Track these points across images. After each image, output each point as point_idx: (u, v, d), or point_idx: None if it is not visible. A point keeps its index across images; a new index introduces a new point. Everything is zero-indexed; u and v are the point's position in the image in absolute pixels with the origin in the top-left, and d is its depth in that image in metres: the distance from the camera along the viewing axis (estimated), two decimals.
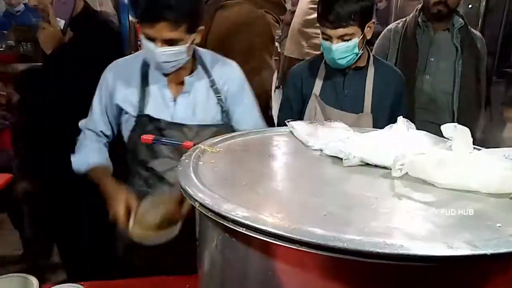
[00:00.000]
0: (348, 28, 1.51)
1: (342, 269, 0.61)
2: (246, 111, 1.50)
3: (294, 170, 0.92)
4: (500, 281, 0.62)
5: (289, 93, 1.76)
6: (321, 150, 0.99)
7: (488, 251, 0.55)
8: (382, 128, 1.42)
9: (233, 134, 1.12)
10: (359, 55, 1.60)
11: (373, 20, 1.58)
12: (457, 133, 0.89)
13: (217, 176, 0.83)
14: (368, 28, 1.57)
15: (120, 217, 1.27)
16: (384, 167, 0.88)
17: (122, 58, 1.52)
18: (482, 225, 0.66)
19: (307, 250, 0.58)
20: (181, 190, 0.77)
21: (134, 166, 1.49)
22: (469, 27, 2.09)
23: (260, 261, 0.67)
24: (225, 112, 1.46)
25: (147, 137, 1.21)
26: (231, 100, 1.48)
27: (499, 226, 0.64)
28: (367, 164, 0.90)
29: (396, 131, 0.97)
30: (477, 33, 2.16)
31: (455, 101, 2.06)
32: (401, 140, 0.94)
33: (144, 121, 1.41)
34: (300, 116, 1.70)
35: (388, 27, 2.22)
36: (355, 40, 1.54)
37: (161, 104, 1.42)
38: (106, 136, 1.54)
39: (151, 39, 1.27)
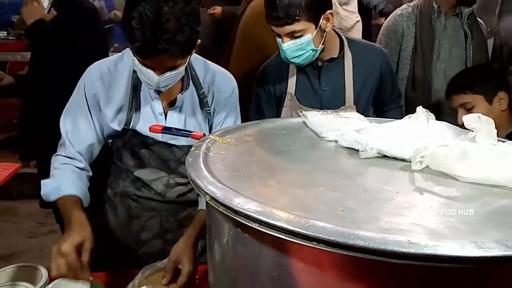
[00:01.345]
0: (295, 24, 1.37)
1: (361, 270, 0.57)
2: (226, 124, 1.38)
3: (308, 162, 0.88)
4: None
5: (259, 93, 1.63)
6: (336, 141, 0.95)
7: None
8: (369, 115, 1.36)
9: (244, 124, 1.09)
10: (318, 50, 1.46)
11: (330, 10, 1.43)
12: (480, 124, 0.84)
13: (228, 168, 0.80)
14: (325, 21, 1.43)
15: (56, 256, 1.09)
16: (403, 160, 0.84)
17: (106, 61, 1.36)
18: (511, 223, 0.62)
19: (325, 248, 0.54)
20: (191, 182, 0.74)
21: (120, 165, 1.40)
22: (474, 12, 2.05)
23: (273, 259, 0.64)
24: (209, 126, 1.39)
25: (157, 127, 1.18)
26: (216, 112, 1.39)
27: None
28: (385, 156, 0.86)
29: (415, 122, 0.93)
30: (479, 19, 2.11)
31: None
32: (421, 131, 0.90)
33: (130, 135, 1.33)
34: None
35: (397, 12, 2.12)
36: (308, 37, 1.39)
37: (151, 119, 1.32)
38: (86, 164, 1.35)
39: (148, 66, 1.17)
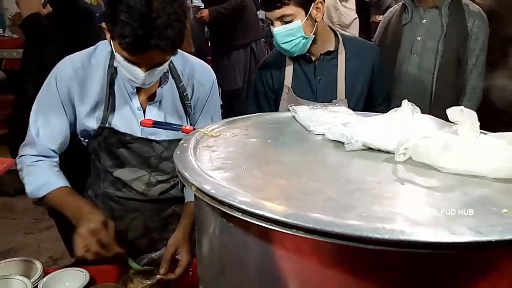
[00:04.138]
0: (284, 8, 1.44)
1: (340, 256, 0.59)
2: (206, 119, 1.39)
3: (295, 155, 0.90)
4: (506, 269, 0.60)
5: (258, 86, 1.68)
6: (323, 134, 0.97)
7: (493, 237, 0.53)
8: (361, 110, 1.41)
9: (234, 118, 1.10)
10: (309, 40, 1.52)
11: (320, 0, 1.49)
12: (463, 116, 0.86)
13: (215, 160, 0.81)
14: (315, 11, 1.49)
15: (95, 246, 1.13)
16: (387, 152, 0.86)
17: (77, 55, 1.31)
18: (487, 211, 0.63)
19: (304, 236, 0.56)
20: (178, 173, 0.76)
21: (99, 165, 1.38)
22: (463, 2, 1.96)
23: (258, 247, 0.66)
24: (191, 120, 1.38)
25: (147, 121, 1.19)
26: (197, 107, 1.39)
27: (505, 212, 0.62)
28: (370, 149, 0.87)
29: (400, 115, 0.94)
30: (475, 9, 1.96)
31: (434, 82, 1.97)
32: (406, 124, 0.91)
33: (107, 134, 1.29)
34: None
35: (389, 9, 2.16)
36: (297, 22, 1.46)
37: (129, 115, 1.30)
38: (57, 157, 1.33)
39: (134, 62, 1.15)
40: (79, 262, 1.31)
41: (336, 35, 1.63)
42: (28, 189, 1.28)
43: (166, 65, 1.21)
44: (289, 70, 1.62)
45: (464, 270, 0.59)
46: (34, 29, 1.85)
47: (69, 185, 1.27)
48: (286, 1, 1.43)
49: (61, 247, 2.49)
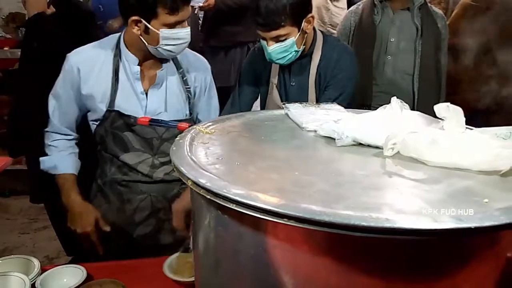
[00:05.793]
0: (280, 30, 1.47)
1: (329, 243, 0.62)
2: (209, 105, 1.54)
3: (287, 150, 0.92)
4: (485, 255, 0.63)
5: (247, 73, 1.73)
6: (315, 131, 1.00)
7: (472, 224, 0.56)
8: None
9: (228, 116, 1.13)
10: (300, 51, 1.56)
11: (311, 14, 1.54)
12: (449, 112, 0.89)
13: (210, 156, 0.84)
14: (306, 23, 1.53)
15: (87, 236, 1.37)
16: (377, 147, 0.89)
17: (85, 48, 1.46)
18: (469, 201, 0.66)
19: (295, 225, 0.59)
20: (174, 168, 0.78)
21: (105, 155, 1.49)
22: (429, 5, 2.06)
23: (251, 237, 0.68)
24: (191, 105, 1.48)
25: (144, 119, 1.22)
26: (198, 93, 1.50)
27: (486, 202, 0.65)
28: (360, 144, 0.90)
29: (389, 112, 0.97)
30: (438, 11, 2.11)
31: (415, 82, 2.02)
32: (395, 120, 0.94)
33: (113, 117, 1.41)
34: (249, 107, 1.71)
35: (350, 8, 2.19)
36: (291, 40, 1.49)
37: (133, 98, 1.42)
38: (74, 135, 1.53)
39: (174, 25, 1.30)
40: (76, 259, 1.34)
41: (314, 37, 1.63)
42: (42, 166, 1.49)
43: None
44: (275, 67, 1.67)
45: (447, 256, 0.62)
46: (41, 28, 1.87)
47: (74, 171, 1.47)
48: (282, 24, 1.46)
49: (56, 246, 2.50)
